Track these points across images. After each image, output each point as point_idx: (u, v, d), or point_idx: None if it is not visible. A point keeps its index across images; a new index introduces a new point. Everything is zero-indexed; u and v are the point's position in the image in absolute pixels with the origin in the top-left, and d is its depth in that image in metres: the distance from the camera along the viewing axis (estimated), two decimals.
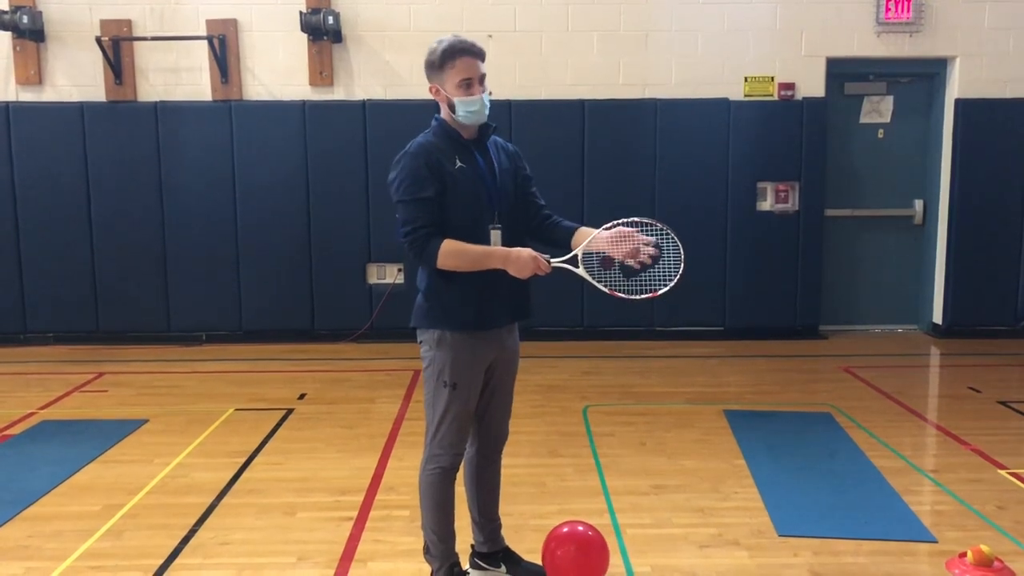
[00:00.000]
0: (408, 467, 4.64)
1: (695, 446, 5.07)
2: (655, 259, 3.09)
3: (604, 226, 3.12)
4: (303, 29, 7.59)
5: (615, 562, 3.53)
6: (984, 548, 3.45)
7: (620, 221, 3.13)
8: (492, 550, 3.48)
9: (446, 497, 3.21)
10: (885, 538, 3.81)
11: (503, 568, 3.48)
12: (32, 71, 7.76)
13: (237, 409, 5.90)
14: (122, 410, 5.93)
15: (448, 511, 3.23)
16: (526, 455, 4.86)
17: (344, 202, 7.83)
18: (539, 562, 3.48)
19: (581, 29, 7.80)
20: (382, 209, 7.69)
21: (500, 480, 3.48)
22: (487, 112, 3.10)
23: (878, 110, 8.16)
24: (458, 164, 3.07)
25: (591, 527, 3.45)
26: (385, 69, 7.81)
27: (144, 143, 7.77)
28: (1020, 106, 7.85)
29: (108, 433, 5.34)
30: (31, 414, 5.79)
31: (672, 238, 3.14)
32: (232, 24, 7.75)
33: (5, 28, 7.54)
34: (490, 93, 3.12)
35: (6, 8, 7.53)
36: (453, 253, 3.01)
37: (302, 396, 6.22)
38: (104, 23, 7.67)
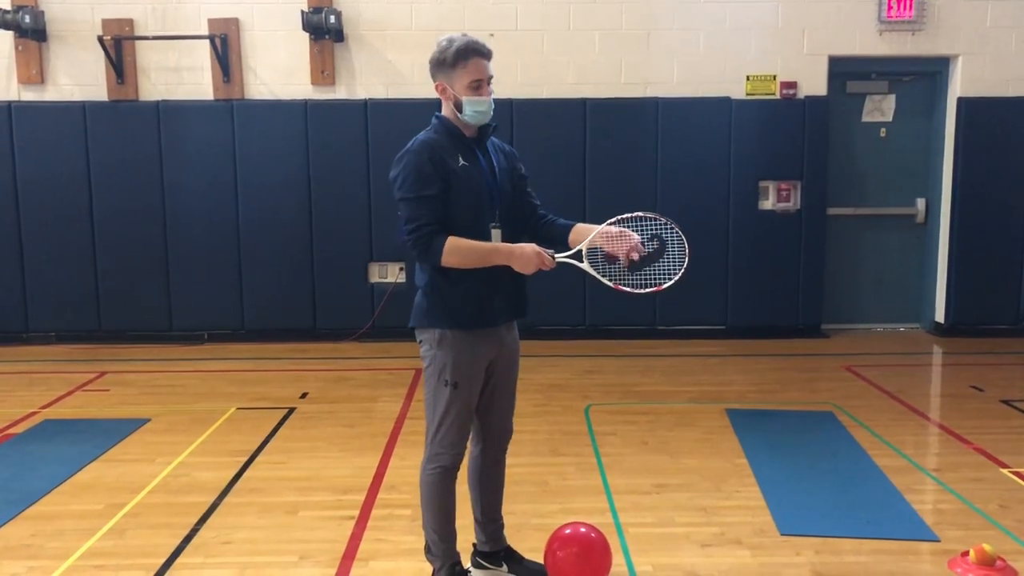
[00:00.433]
0: (410, 466, 4.64)
1: (697, 445, 5.06)
2: (659, 253, 3.09)
3: (608, 221, 3.12)
4: (305, 28, 7.59)
5: (617, 561, 3.52)
6: (987, 547, 3.46)
7: (624, 216, 3.13)
8: (494, 549, 3.48)
9: (447, 497, 3.21)
10: (887, 537, 3.81)
11: (505, 567, 3.48)
12: (34, 70, 7.77)
13: (239, 408, 5.90)
14: (124, 409, 5.94)
15: (449, 511, 3.23)
16: (528, 454, 4.86)
17: (346, 201, 7.83)
18: (541, 561, 3.48)
19: (583, 28, 7.80)
20: (384, 208, 7.70)
21: (504, 480, 3.48)
22: (492, 112, 3.10)
23: (880, 109, 8.15)
24: (461, 162, 3.06)
25: (594, 528, 3.44)
26: (387, 68, 7.81)
27: (146, 142, 7.77)
28: (1022, 104, 7.84)
29: (110, 432, 5.34)
30: (33, 413, 5.80)
31: (676, 232, 3.14)
32: (234, 23, 7.75)
33: (7, 27, 7.54)
34: (493, 94, 3.12)
35: (8, 7, 7.54)
36: (457, 250, 3.00)
37: (304, 395, 6.22)
38: (106, 22, 7.67)
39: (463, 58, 3.00)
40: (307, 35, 7.70)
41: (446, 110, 3.12)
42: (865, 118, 8.17)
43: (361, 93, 7.85)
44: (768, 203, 7.96)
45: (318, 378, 6.73)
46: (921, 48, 7.85)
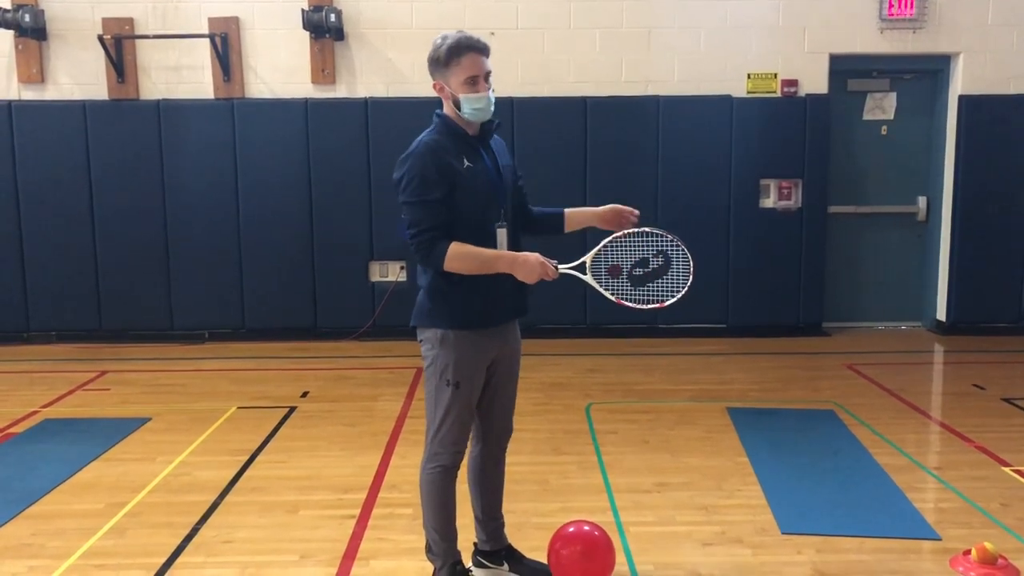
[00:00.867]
0: (410, 465, 4.63)
1: (698, 444, 5.06)
2: (664, 269, 3.09)
3: (614, 235, 3.15)
4: (305, 27, 7.58)
5: (618, 560, 3.51)
6: (988, 545, 3.45)
7: (631, 231, 3.15)
8: (495, 548, 3.47)
9: (448, 496, 3.20)
10: (889, 536, 3.80)
11: (506, 566, 3.47)
12: (34, 69, 7.76)
13: (239, 407, 5.89)
14: (125, 408, 5.94)
15: (450, 510, 3.23)
16: (529, 453, 4.85)
17: (346, 200, 7.83)
18: (543, 560, 3.48)
19: (583, 26, 7.79)
20: (384, 207, 7.69)
21: (504, 479, 3.47)
22: (492, 109, 3.08)
23: (881, 107, 8.14)
24: (466, 163, 3.04)
25: (597, 526, 3.44)
26: (387, 67, 7.80)
27: (146, 141, 7.77)
28: (1023, 102, 7.82)
29: (111, 431, 5.34)
30: (34, 412, 5.80)
31: (681, 249, 3.13)
32: (234, 22, 7.75)
33: (7, 27, 7.53)
34: (493, 91, 3.10)
35: (8, 6, 7.53)
36: (460, 256, 2.98)
37: (305, 394, 6.22)
38: (106, 21, 7.67)
39: (456, 55, 2.98)
40: (307, 34, 7.69)
41: (446, 108, 3.10)
42: (866, 116, 8.16)
43: (362, 92, 7.85)
44: (769, 201, 7.95)
45: (319, 377, 6.73)
46: (922, 46, 7.84)
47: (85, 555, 3.71)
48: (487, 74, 3.03)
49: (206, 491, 4.39)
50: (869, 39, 7.82)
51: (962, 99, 7.86)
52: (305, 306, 7.99)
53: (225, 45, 7.70)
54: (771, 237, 7.90)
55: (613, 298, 3.14)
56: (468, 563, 3.45)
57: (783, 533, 3.85)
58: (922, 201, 8.24)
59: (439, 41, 3.01)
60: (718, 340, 7.86)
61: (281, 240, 7.88)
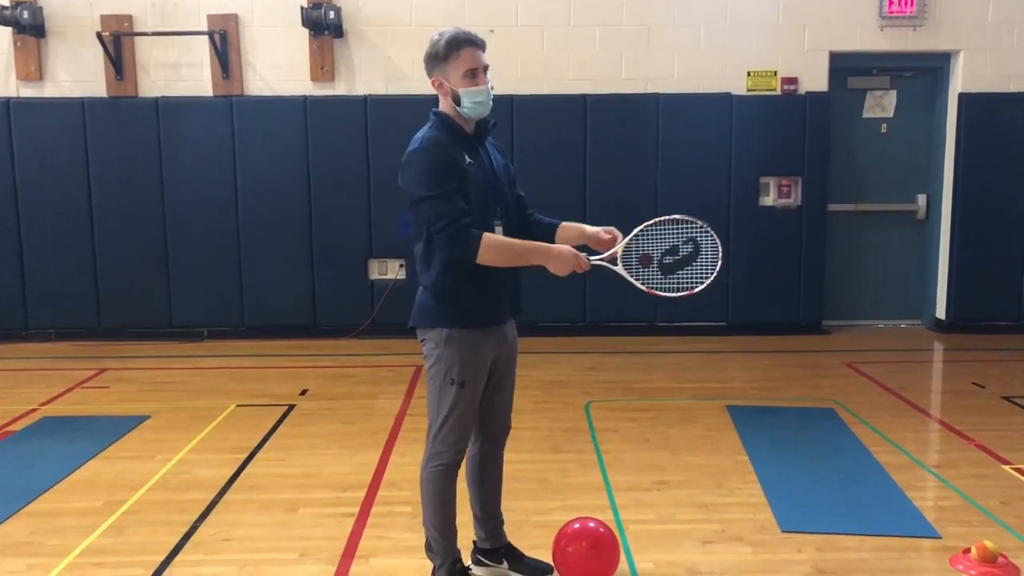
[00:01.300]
0: (410, 463, 4.62)
1: (698, 442, 5.05)
2: (693, 256, 3.07)
3: (645, 223, 3.11)
4: (304, 24, 7.57)
5: None
6: (988, 544, 3.45)
7: (661, 218, 3.12)
8: (494, 546, 3.47)
9: (448, 494, 3.19)
10: (889, 534, 3.80)
11: (505, 564, 3.47)
12: (33, 67, 7.75)
13: (239, 405, 5.89)
14: (124, 406, 5.93)
15: (450, 508, 3.22)
16: (528, 451, 4.85)
17: (346, 198, 7.82)
18: (543, 558, 3.47)
19: (583, 23, 7.78)
20: (384, 205, 7.69)
21: (502, 477, 3.47)
22: (491, 104, 3.07)
23: (881, 105, 8.13)
24: (467, 160, 3.03)
25: (602, 523, 3.44)
26: (386, 64, 7.79)
27: (145, 139, 7.76)
28: (1023, 100, 7.81)
29: (109, 429, 5.33)
30: (32, 410, 5.79)
31: (711, 236, 3.13)
32: (233, 19, 7.73)
33: (6, 23, 7.52)
34: (492, 87, 3.09)
35: (7, 3, 7.52)
36: (496, 247, 2.96)
37: (304, 392, 6.21)
38: (105, 18, 7.66)
39: (455, 48, 2.97)
40: (306, 31, 7.68)
41: (444, 105, 3.08)
42: (866, 114, 8.15)
43: (361, 89, 7.83)
44: (769, 199, 7.94)
45: (318, 375, 6.72)
46: (922, 44, 7.83)
47: (84, 553, 3.70)
48: (485, 67, 3.03)
49: (205, 489, 4.38)
50: (869, 37, 7.81)
51: (962, 97, 7.85)
52: (304, 304, 7.98)
53: (224, 42, 7.69)
54: (771, 235, 7.89)
55: (645, 288, 3.12)
56: (467, 561, 3.45)
57: (783, 531, 3.84)
58: (922, 199, 8.23)
59: (436, 37, 3.01)
60: (718, 338, 7.85)
61: (280, 238, 7.87)
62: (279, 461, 4.82)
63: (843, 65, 7.92)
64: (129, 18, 7.70)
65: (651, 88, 7.83)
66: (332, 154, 7.79)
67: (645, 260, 3.10)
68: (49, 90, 7.82)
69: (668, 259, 3.11)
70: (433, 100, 3.13)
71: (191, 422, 5.49)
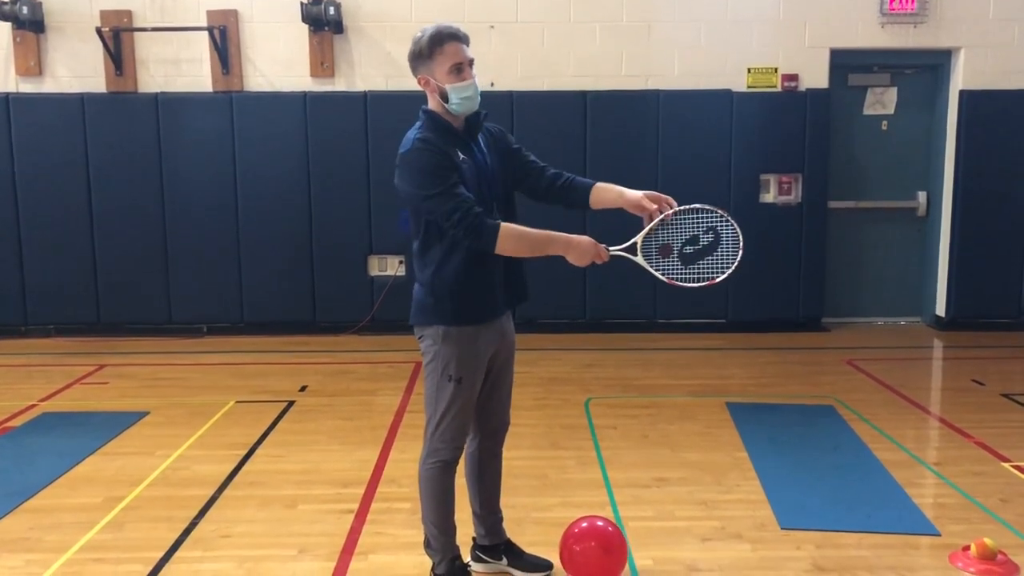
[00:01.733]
0: (409, 459, 4.62)
1: (697, 439, 5.05)
2: (714, 246, 3.06)
3: (664, 212, 3.06)
4: (304, 20, 7.55)
5: None
6: (987, 541, 3.45)
7: (681, 208, 3.08)
8: (493, 543, 3.47)
9: (447, 490, 3.19)
10: (888, 531, 3.80)
11: (504, 561, 3.47)
12: (32, 62, 7.74)
13: (238, 401, 5.89)
14: (123, 402, 5.93)
15: (449, 504, 3.22)
16: (528, 447, 4.85)
17: (346, 194, 7.81)
18: (542, 554, 3.47)
19: (583, 20, 7.77)
20: (384, 201, 7.68)
21: (501, 473, 3.46)
22: (479, 98, 3.05)
23: (882, 101, 8.12)
24: (461, 157, 3.02)
25: (611, 522, 3.44)
26: (386, 60, 7.78)
27: (145, 134, 7.75)
28: None
29: (109, 425, 5.33)
30: (32, 406, 5.79)
31: (732, 225, 3.10)
32: (233, 15, 7.72)
33: (5, 19, 7.50)
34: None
35: None
36: (515, 237, 2.94)
37: (303, 388, 6.21)
38: (104, 14, 7.64)
39: (438, 44, 2.96)
40: (306, 27, 7.66)
41: (432, 103, 3.06)
42: (867, 111, 8.14)
43: (360, 85, 7.82)
44: (769, 196, 7.94)
45: (318, 371, 6.72)
46: (923, 40, 7.82)
47: (83, 549, 3.71)
48: (471, 61, 3.01)
49: (204, 485, 4.38)
50: (870, 33, 7.80)
51: (963, 94, 7.84)
52: (304, 300, 7.97)
53: (224, 38, 7.68)
54: (771, 232, 7.88)
55: (665, 279, 3.09)
56: (467, 558, 3.45)
57: (782, 528, 3.84)
58: (922, 196, 8.23)
59: (419, 35, 2.99)
60: (717, 335, 7.85)
61: (280, 234, 7.86)
62: (278, 457, 4.82)
63: (844, 62, 7.91)
64: (129, 13, 7.69)
65: (651, 85, 7.82)
66: (332, 150, 7.78)
67: (665, 251, 3.08)
68: (48, 85, 7.81)
69: (689, 249, 3.08)
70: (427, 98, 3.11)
71: (191, 418, 5.49)
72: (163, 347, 7.56)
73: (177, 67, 7.80)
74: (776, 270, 7.92)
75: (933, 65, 8.04)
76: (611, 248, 3.04)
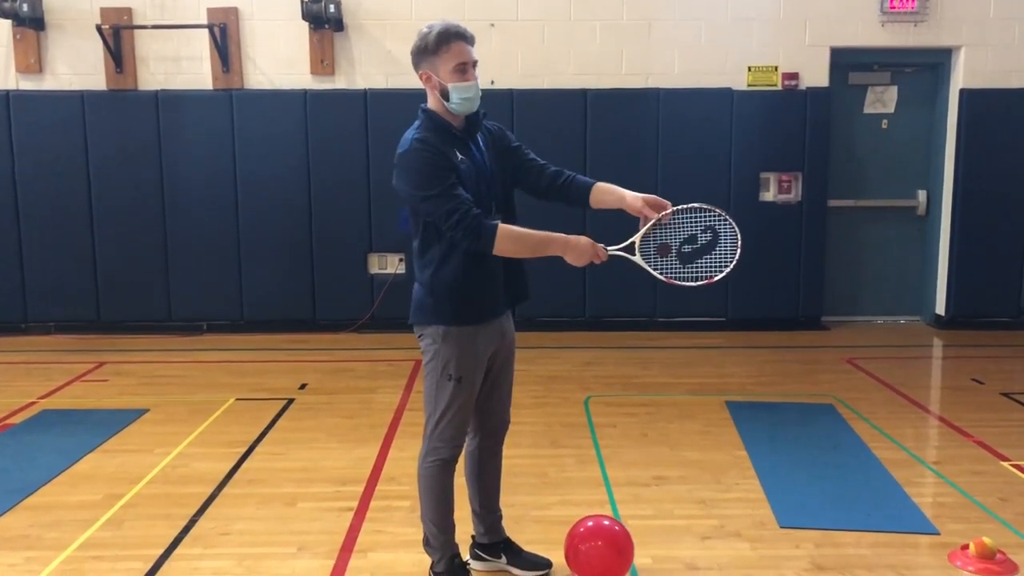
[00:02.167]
0: (409, 457, 4.61)
1: (697, 437, 5.05)
2: (712, 245, 3.06)
3: (662, 214, 3.06)
4: (304, 17, 7.55)
5: None
6: (986, 540, 3.45)
7: (679, 207, 3.08)
8: (493, 541, 3.47)
9: (446, 489, 3.19)
10: (887, 530, 3.80)
11: (503, 559, 3.47)
12: (32, 59, 7.73)
13: (238, 399, 5.89)
14: (123, 399, 5.93)
15: (448, 503, 3.22)
16: (527, 446, 4.85)
17: (346, 191, 7.81)
18: (541, 552, 3.47)
19: (583, 18, 7.76)
20: (384, 199, 7.67)
21: (501, 472, 3.46)
22: (479, 100, 3.05)
23: (882, 100, 8.12)
24: (459, 157, 3.01)
25: (617, 522, 3.45)
26: (387, 58, 7.78)
27: (145, 132, 7.74)
28: None
29: (108, 423, 5.33)
30: (32, 403, 5.79)
31: (730, 224, 3.10)
32: (233, 12, 7.72)
33: (5, 16, 7.49)
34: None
35: None
36: (513, 238, 2.94)
37: (303, 386, 6.21)
38: (104, 11, 7.63)
39: (445, 42, 2.95)
40: (307, 24, 7.66)
41: (432, 101, 3.05)
42: (867, 110, 8.14)
43: (361, 83, 7.82)
44: (769, 195, 7.94)
45: (317, 369, 6.72)
46: (923, 39, 7.81)
47: (82, 546, 3.71)
48: (474, 63, 3.00)
49: (204, 483, 4.38)
50: (870, 32, 7.80)
51: (963, 93, 7.84)
52: (304, 298, 7.97)
53: (224, 36, 7.67)
54: (771, 230, 7.88)
55: (663, 278, 3.09)
56: (466, 556, 3.45)
57: (781, 527, 3.84)
58: (922, 195, 8.23)
59: (426, 30, 2.98)
60: (717, 334, 7.85)
61: (280, 231, 7.86)
62: (278, 455, 4.82)
63: (844, 61, 7.91)
64: (129, 11, 7.69)
65: (652, 83, 7.82)
66: (332, 148, 7.77)
67: (663, 250, 3.08)
68: (48, 83, 7.81)
69: (687, 248, 3.08)
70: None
71: (190, 416, 5.49)
72: (163, 344, 7.56)
73: (177, 65, 7.80)
74: (776, 269, 7.93)
75: (933, 64, 8.04)
76: (609, 248, 3.04)
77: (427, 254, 3.05)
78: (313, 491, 4.30)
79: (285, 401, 5.82)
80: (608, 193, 3.20)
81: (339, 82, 7.84)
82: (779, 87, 7.84)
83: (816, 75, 7.84)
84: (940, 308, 8.15)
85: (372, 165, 7.75)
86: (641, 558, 3.54)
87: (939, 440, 5.17)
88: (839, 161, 8.05)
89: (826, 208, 7.99)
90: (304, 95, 7.76)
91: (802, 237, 7.94)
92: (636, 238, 3.09)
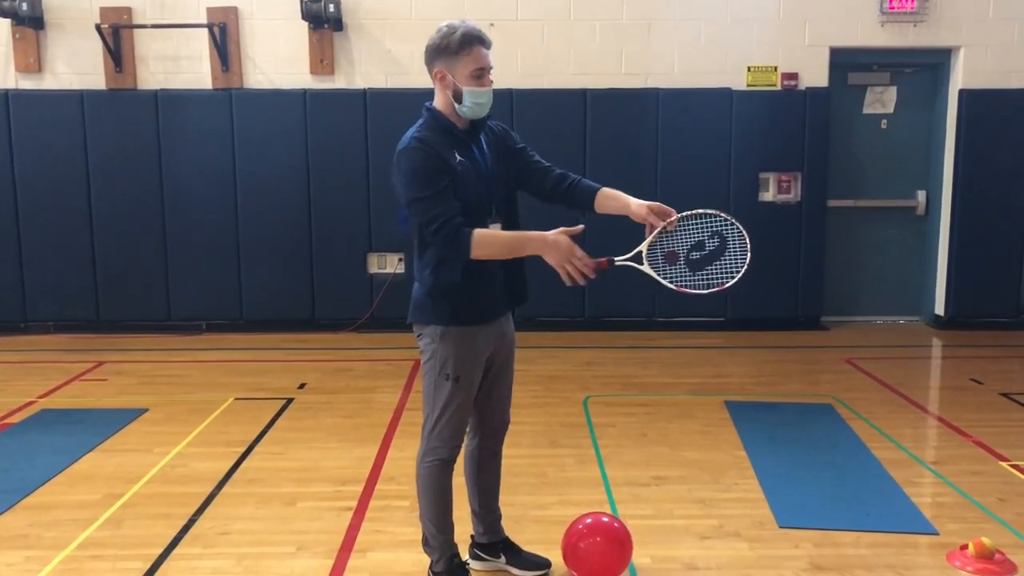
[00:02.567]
0: (408, 457, 4.59)
1: (696, 437, 5.05)
2: (720, 251, 3.04)
3: (668, 221, 3.03)
4: (304, 17, 7.55)
5: None
6: (985, 540, 3.45)
7: (685, 213, 3.06)
8: (492, 541, 3.47)
9: (444, 489, 3.19)
10: (886, 530, 3.80)
11: (503, 559, 3.47)
12: (32, 58, 7.73)
13: (237, 398, 5.89)
14: (122, 399, 5.93)
15: (447, 503, 3.22)
16: (527, 445, 4.85)
17: (345, 191, 7.81)
18: (541, 552, 3.48)
19: (583, 18, 7.76)
20: (383, 199, 7.67)
21: (501, 472, 3.46)
22: (490, 106, 3.04)
23: (881, 100, 8.12)
24: (457, 159, 3.00)
25: (616, 518, 3.45)
26: (386, 57, 7.78)
27: (144, 131, 7.74)
28: None
29: (108, 422, 5.33)
30: (31, 403, 5.79)
31: (738, 229, 3.08)
32: (233, 12, 7.71)
33: (5, 15, 7.49)
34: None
35: None
36: (487, 242, 2.92)
37: (302, 386, 6.21)
38: (104, 10, 7.63)
39: (468, 45, 2.93)
40: (306, 24, 7.66)
41: (440, 100, 3.04)
42: (866, 110, 8.14)
43: (360, 82, 7.82)
44: (768, 195, 7.94)
45: (316, 369, 6.72)
46: (923, 40, 7.82)
47: (81, 546, 3.71)
48: (490, 69, 3.00)
49: (203, 482, 4.38)
50: (870, 32, 7.80)
51: (962, 93, 7.84)
52: (303, 297, 7.97)
53: (223, 35, 7.67)
54: (770, 231, 7.86)
55: (674, 287, 3.06)
56: (465, 556, 3.45)
57: (780, 527, 3.85)
58: (921, 195, 8.23)
59: (447, 30, 2.95)
60: (716, 333, 7.86)
61: (279, 231, 7.86)
62: (277, 455, 4.82)
63: (843, 61, 7.91)
64: (128, 10, 7.68)
65: (651, 83, 7.82)
66: (331, 148, 7.77)
67: (671, 258, 3.04)
68: (48, 82, 7.80)
69: (695, 255, 3.05)
70: (432, 93, 3.09)
71: (189, 415, 5.49)
72: (162, 344, 7.56)
73: (177, 64, 7.80)
74: (775, 269, 7.92)
75: (933, 64, 8.04)
76: (617, 259, 3.00)
77: (426, 253, 3.05)
78: (312, 491, 4.30)
79: (284, 401, 5.82)
80: (613, 199, 3.17)
81: (339, 82, 7.84)
82: (778, 87, 7.84)
83: (816, 75, 7.84)
84: (939, 308, 8.16)
85: (372, 165, 7.75)
86: (640, 558, 3.54)
87: (938, 440, 5.17)
88: (838, 161, 8.05)
89: (825, 208, 7.99)
90: (304, 95, 7.76)
91: (801, 237, 7.95)
92: (643, 247, 3.05)
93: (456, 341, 3.06)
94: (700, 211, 3.07)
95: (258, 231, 7.86)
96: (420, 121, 3.05)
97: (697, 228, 3.08)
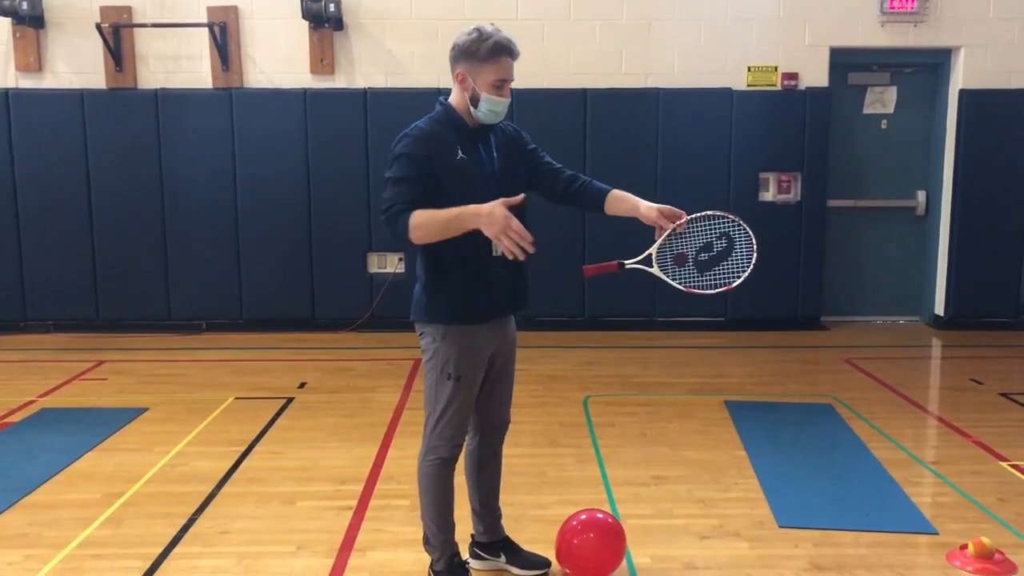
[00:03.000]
0: (408, 456, 4.62)
1: (696, 437, 5.06)
2: (728, 252, 3.06)
3: (677, 223, 3.06)
4: (304, 16, 7.55)
5: None
6: (985, 540, 3.45)
7: (693, 215, 3.09)
8: (492, 540, 3.47)
9: (445, 488, 3.19)
10: (886, 530, 3.80)
11: (503, 558, 3.47)
12: (32, 58, 7.73)
13: (237, 398, 5.89)
14: (122, 398, 5.93)
15: (447, 502, 3.22)
16: (527, 445, 4.85)
17: (345, 191, 7.81)
18: (541, 551, 3.48)
19: (583, 18, 7.77)
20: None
21: (501, 471, 3.47)
22: (505, 114, 3.07)
23: (882, 100, 8.12)
24: (460, 155, 3.01)
25: (610, 515, 3.46)
26: (386, 57, 7.78)
27: (144, 130, 7.74)
28: None
29: (108, 421, 5.33)
30: (31, 402, 5.79)
31: (744, 230, 3.10)
32: (233, 11, 7.71)
33: (5, 14, 7.49)
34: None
35: None
36: (421, 222, 2.86)
37: (302, 385, 6.21)
38: (104, 10, 7.63)
39: (497, 55, 2.93)
40: (306, 23, 7.66)
41: (456, 98, 3.05)
42: (866, 110, 8.14)
43: (360, 82, 7.82)
44: (768, 195, 7.94)
45: (317, 368, 6.72)
46: (923, 40, 7.82)
47: (81, 545, 3.71)
48: (511, 80, 3.01)
49: (203, 481, 4.38)
50: (870, 32, 7.80)
51: (963, 93, 7.84)
52: (303, 297, 7.98)
53: (224, 34, 7.67)
54: (770, 230, 7.83)
55: (683, 288, 3.10)
56: (465, 555, 3.45)
57: (780, 527, 3.85)
58: (921, 195, 8.23)
59: (477, 35, 2.93)
60: (716, 333, 7.86)
61: (279, 230, 7.86)
62: (277, 454, 4.82)
63: (844, 61, 7.91)
64: (128, 9, 7.68)
65: (651, 83, 7.82)
66: (331, 147, 7.78)
67: (680, 260, 3.08)
68: (48, 81, 7.81)
69: (704, 256, 3.09)
70: (433, 94, 3.10)
71: (189, 415, 5.49)
72: (162, 343, 7.56)
73: (177, 63, 7.80)
74: (775, 269, 7.91)
75: (933, 64, 8.05)
76: (627, 262, 3.04)
77: (427, 253, 3.05)
78: (312, 490, 4.30)
79: (284, 400, 5.82)
80: (623, 201, 3.19)
81: (339, 81, 7.84)
82: (779, 87, 7.85)
83: (816, 75, 7.84)
84: (939, 308, 8.16)
85: (372, 164, 7.74)
86: (640, 557, 3.55)
87: (938, 440, 5.18)
88: (838, 161, 8.05)
89: (825, 208, 8.00)
90: (304, 94, 7.76)
91: (801, 237, 7.95)
92: (652, 250, 3.09)
93: (457, 340, 3.06)
94: (709, 212, 3.10)
95: (258, 231, 7.86)
96: (432, 113, 3.07)
97: (706, 230, 3.11)
